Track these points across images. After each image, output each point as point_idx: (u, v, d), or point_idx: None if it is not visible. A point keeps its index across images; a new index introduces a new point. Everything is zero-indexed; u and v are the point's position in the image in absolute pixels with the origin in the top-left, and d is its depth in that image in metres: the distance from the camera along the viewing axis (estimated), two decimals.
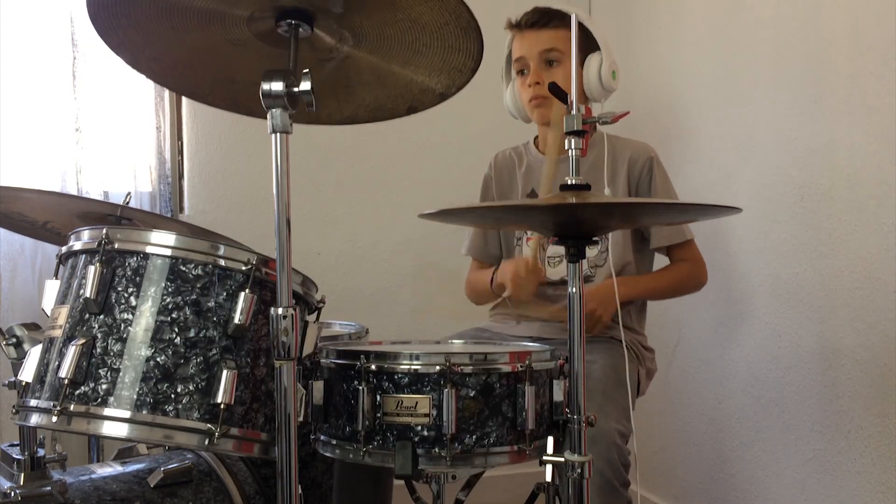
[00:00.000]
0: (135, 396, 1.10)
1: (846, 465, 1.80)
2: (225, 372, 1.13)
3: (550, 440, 1.21)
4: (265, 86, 1.04)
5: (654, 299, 1.93)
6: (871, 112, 1.71)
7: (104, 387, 1.11)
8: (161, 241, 1.17)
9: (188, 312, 1.14)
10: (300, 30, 1.15)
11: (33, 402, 1.15)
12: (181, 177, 2.51)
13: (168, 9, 1.13)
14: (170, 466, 1.39)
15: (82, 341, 1.12)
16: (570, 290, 1.18)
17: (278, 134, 1.06)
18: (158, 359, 1.12)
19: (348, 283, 2.59)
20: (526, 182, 1.93)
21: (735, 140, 2.14)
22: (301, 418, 1.15)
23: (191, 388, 1.12)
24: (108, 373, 1.11)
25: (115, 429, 1.11)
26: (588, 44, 1.77)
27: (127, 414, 1.10)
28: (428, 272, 2.61)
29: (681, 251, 1.84)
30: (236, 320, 1.14)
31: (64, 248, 1.24)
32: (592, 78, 1.76)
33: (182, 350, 1.13)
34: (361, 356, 1.17)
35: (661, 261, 1.91)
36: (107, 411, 1.10)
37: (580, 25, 1.74)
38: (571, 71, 1.21)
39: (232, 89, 1.34)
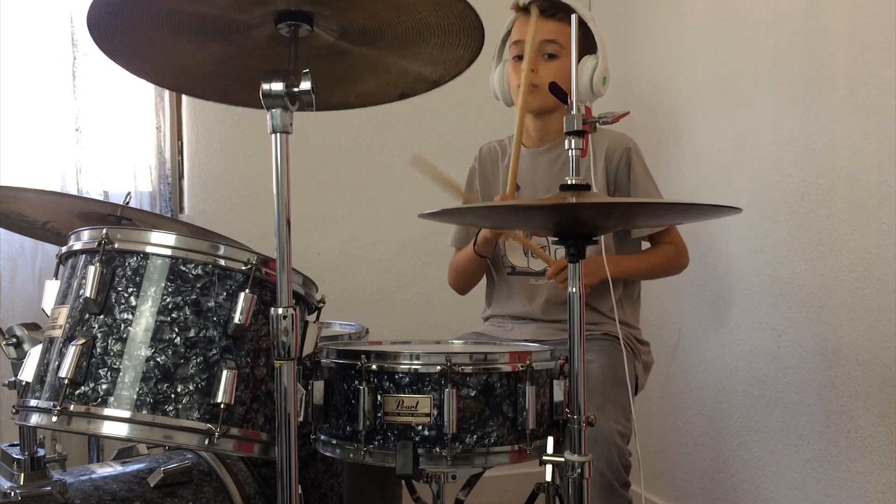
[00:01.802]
0: (135, 396, 1.10)
1: (846, 465, 1.80)
2: (225, 372, 1.13)
3: (550, 440, 1.22)
4: (265, 86, 1.04)
5: (638, 279, 1.90)
6: (871, 112, 1.71)
7: (104, 387, 1.11)
8: (161, 241, 1.17)
9: (188, 312, 1.14)
10: (300, 29, 1.15)
11: (33, 402, 1.15)
12: (181, 177, 2.51)
13: (167, 16, 1.13)
14: (170, 466, 1.39)
15: (82, 341, 1.12)
16: (570, 289, 1.18)
17: (278, 134, 1.06)
18: (158, 359, 1.12)
19: (348, 283, 2.59)
20: (507, 174, 1.92)
21: (735, 140, 2.14)
22: (301, 418, 1.15)
23: (191, 388, 1.12)
24: (108, 373, 1.11)
25: (115, 429, 1.11)
26: (587, 45, 1.76)
27: (127, 414, 1.10)
28: (428, 272, 2.61)
29: (662, 235, 1.82)
30: (236, 320, 1.14)
31: (64, 248, 1.24)
32: (584, 80, 1.75)
33: (182, 350, 1.13)
34: (362, 356, 1.17)
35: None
36: (107, 411, 1.10)
37: (583, 25, 1.73)
38: (572, 70, 1.21)
39: (223, 83, 1.33)
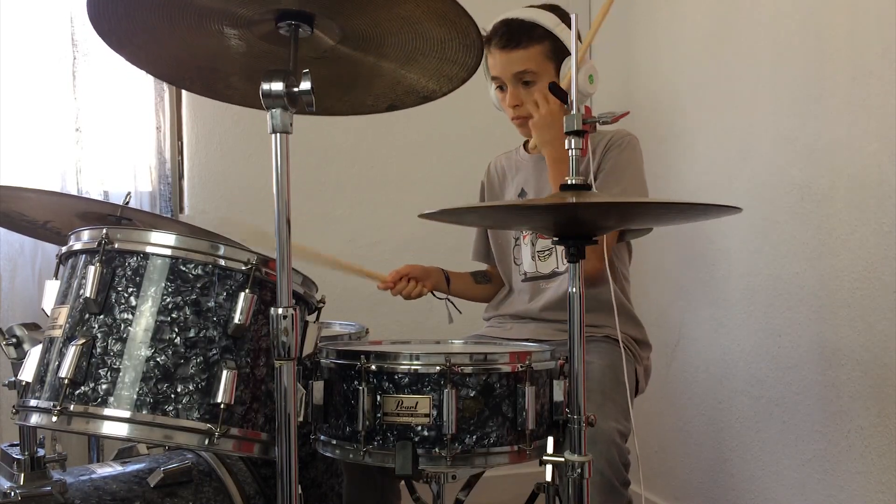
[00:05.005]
0: (135, 396, 1.10)
1: (846, 465, 1.80)
2: (225, 372, 1.13)
3: (550, 440, 1.22)
4: (265, 86, 1.04)
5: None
6: (871, 112, 1.71)
7: (104, 387, 1.11)
8: (161, 241, 1.17)
9: (188, 312, 1.14)
10: (300, 30, 1.15)
11: (33, 402, 1.15)
12: (181, 177, 2.51)
13: (168, 5, 1.13)
14: (170, 466, 1.39)
15: (82, 341, 1.12)
16: (570, 289, 1.18)
17: (278, 134, 1.06)
18: (158, 359, 1.12)
19: (348, 283, 2.59)
20: (517, 184, 1.93)
21: (735, 140, 2.14)
22: (301, 418, 1.15)
23: (191, 387, 1.12)
24: (108, 373, 1.11)
25: (115, 429, 1.11)
26: (564, 50, 1.73)
27: (127, 414, 1.10)
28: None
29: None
30: (236, 320, 1.15)
31: (64, 248, 1.24)
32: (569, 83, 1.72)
33: (182, 350, 1.13)
34: (362, 356, 1.17)
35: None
36: (107, 411, 1.10)
37: (550, 35, 1.71)
38: (572, 69, 1.21)
39: (212, 77, 1.32)
